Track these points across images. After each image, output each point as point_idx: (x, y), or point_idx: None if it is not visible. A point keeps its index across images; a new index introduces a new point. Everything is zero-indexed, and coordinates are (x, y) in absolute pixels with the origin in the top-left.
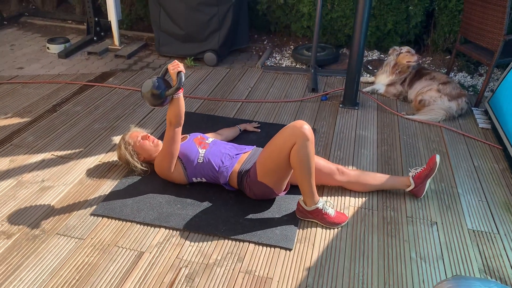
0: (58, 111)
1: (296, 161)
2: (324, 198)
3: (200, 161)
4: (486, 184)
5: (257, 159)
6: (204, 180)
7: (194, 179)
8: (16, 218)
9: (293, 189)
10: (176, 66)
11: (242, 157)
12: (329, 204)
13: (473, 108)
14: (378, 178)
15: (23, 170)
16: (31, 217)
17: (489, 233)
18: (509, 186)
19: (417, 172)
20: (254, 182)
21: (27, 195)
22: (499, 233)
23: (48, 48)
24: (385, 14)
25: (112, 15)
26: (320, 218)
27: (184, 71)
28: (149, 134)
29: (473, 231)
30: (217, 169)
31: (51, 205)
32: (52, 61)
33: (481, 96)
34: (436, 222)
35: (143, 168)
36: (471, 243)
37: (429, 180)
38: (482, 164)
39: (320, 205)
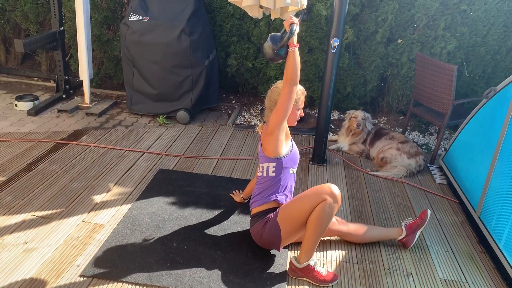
0: (33, 170)
1: (317, 217)
2: None
3: (290, 173)
4: (450, 236)
5: (283, 204)
6: (270, 175)
7: (272, 165)
8: (0, 282)
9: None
10: (289, 20)
11: None
12: (318, 263)
13: (429, 165)
14: (373, 230)
15: (3, 232)
16: (17, 280)
17: (458, 282)
18: (470, 237)
19: (409, 222)
20: (273, 220)
21: (10, 258)
22: (467, 282)
23: (16, 105)
24: (345, 79)
25: (85, 74)
26: (311, 276)
27: (297, 23)
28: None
29: (445, 280)
30: (280, 189)
31: (38, 267)
32: (21, 119)
33: (435, 154)
34: (412, 273)
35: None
36: None
37: (418, 232)
38: (444, 217)
39: (312, 262)
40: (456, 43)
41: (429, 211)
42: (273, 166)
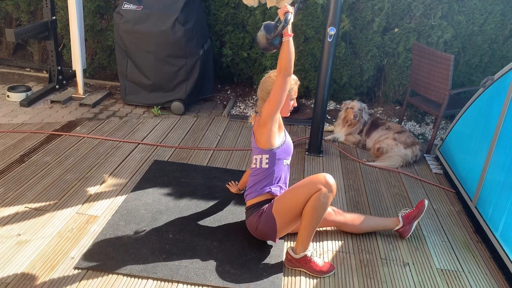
0: (26, 162)
1: (312, 207)
2: None
3: (284, 164)
4: (446, 226)
5: (278, 195)
6: (263, 167)
7: (265, 157)
8: None
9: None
10: (284, 8)
11: None
12: (315, 253)
13: (425, 155)
14: (370, 220)
15: None
16: (10, 273)
17: (455, 271)
18: (466, 226)
19: (406, 213)
20: (268, 212)
21: (3, 251)
22: (463, 271)
23: (8, 96)
24: (341, 69)
25: (78, 64)
26: (308, 267)
27: (291, 12)
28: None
29: (441, 270)
30: (274, 181)
31: (31, 260)
32: (13, 110)
33: (432, 144)
34: (408, 263)
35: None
36: (441, 282)
37: (415, 222)
38: (440, 207)
39: (308, 253)
40: (452, 32)
41: (426, 202)
42: (266, 158)
